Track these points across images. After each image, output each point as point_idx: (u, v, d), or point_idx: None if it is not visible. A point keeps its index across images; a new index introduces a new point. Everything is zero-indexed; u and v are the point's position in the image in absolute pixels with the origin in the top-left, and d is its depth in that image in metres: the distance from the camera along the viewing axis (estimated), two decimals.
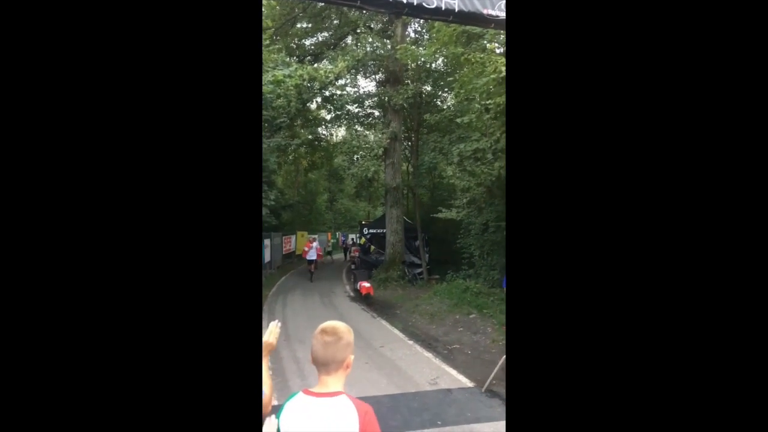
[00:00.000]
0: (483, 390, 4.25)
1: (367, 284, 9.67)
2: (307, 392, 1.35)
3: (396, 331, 7.14)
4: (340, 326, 1.38)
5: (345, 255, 21.13)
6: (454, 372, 5.08)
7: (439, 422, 3.71)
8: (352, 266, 13.96)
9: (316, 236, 22.57)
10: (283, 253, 17.44)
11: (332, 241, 25.60)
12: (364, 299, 9.51)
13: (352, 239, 22.16)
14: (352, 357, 1.38)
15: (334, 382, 1.34)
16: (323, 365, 1.34)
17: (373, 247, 15.19)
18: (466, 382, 4.73)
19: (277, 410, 1.39)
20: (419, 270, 12.70)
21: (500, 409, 4.00)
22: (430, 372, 5.08)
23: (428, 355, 5.82)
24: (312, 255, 13.82)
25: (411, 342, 6.45)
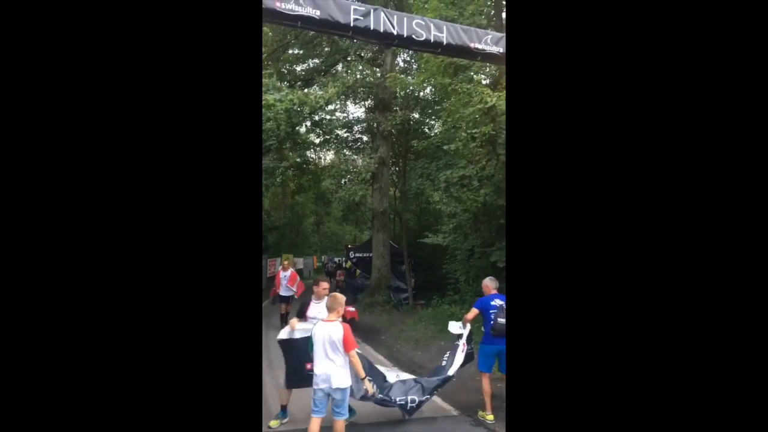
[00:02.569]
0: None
1: (352, 309, 9.56)
2: (324, 320, 3.43)
3: (381, 357, 7.04)
4: (339, 295, 3.52)
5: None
6: (438, 399, 5.00)
7: None
8: (337, 290, 13.73)
9: (300, 259, 22.06)
10: (268, 275, 17.18)
11: (318, 264, 25.27)
12: (348, 324, 9.39)
13: (335, 262, 21.69)
14: (342, 309, 3.48)
15: (334, 316, 3.42)
16: (330, 310, 3.44)
17: (358, 271, 15.08)
18: (451, 410, 4.66)
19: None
20: (405, 295, 12.62)
21: None
22: None
23: None
24: (285, 290, 8.55)
25: (396, 369, 6.35)
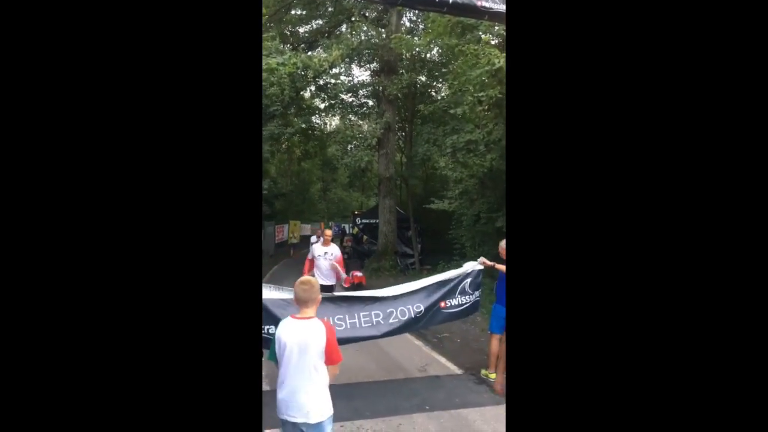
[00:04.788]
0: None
1: (359, 273, 9.76)
2: (294, 317, 2.23)
3: None
4: (312, 279, 2.34)
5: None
6: (443, 360, 5.19)
7: (427, 407, 3.80)
8: (345, 256, 13.87)
9: (308, 226, 21.98)
10: (276, 242, 17.45)
11: (326, 229, 25.38)
12: (356, 288, 9.61)
13: (334, 229, 21.11)
14: (320, 297, 2.29)
15: (310, 311, 2.22)
16: (303, 302, 2.22)
17: (365, 237, 15.24)
18: (455, 370, 4.84)
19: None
20: (411, 260, 12.80)
21: (486, 395, 4.11)
22: (420, 359, 5.18)
23: (418, 343, 5.92)
24: (327, 276, 5.40)
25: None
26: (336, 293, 4.07)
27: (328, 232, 5.90)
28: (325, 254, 5.55)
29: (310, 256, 5.69)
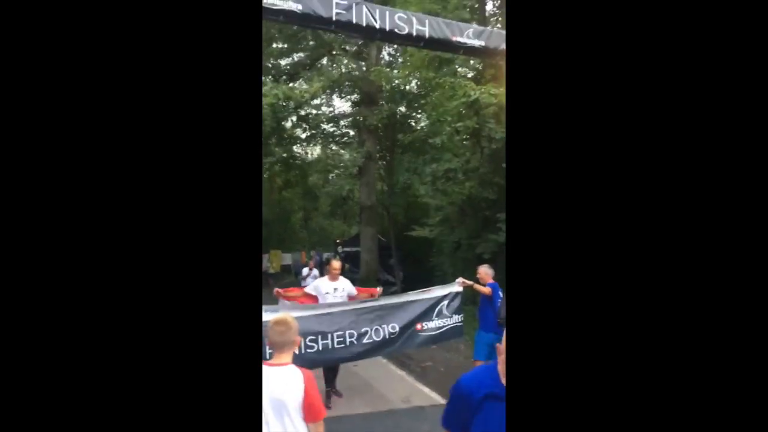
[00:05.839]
0: None
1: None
2: (267, 364, 1.85)
3: None
4: (288, 318, 1.94)
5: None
6: (426, 390, 5.10)
7: None
8: None
9: (289, 255, 21.58)
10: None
11: (306, 259, 25.13)
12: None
13: (316, 258, 20.48)
14: (299, 338, 1.98)
15: (286, 356, 1.87)
16: (279, 346, 1.87)
17: (347, 266, 15.12)
18: (439, 399, 4.75)
19: None
20: (393, 288, 12.71)
21: None
22: (403, 390, 5.08)
23: (401, 373, 5.82)
24: None
25: (384, 361, 6.43)
26: (319, 310, 3.92)
27: (336, 264, 4.57)
28: (335, 290, 4.35)
29: (311, 292, 4.42)
